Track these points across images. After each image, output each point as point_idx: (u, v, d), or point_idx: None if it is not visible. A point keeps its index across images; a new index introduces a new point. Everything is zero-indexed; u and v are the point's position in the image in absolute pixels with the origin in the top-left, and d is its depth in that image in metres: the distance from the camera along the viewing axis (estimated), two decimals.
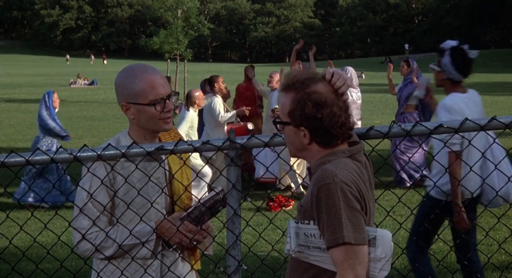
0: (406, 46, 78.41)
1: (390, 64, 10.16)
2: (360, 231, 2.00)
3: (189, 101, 8.42)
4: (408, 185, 8.87)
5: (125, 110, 2.53)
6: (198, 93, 8.52)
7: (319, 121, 2.09)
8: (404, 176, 8.92)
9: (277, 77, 9.39)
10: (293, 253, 2.14)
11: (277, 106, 8.96)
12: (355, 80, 9.27)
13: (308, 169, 2.21)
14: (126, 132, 2.61)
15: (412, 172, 8.97)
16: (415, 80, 9.05)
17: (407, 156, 8.81)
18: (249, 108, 9.71)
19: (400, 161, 8.97)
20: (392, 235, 2.61)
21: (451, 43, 4.28)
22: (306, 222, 2.09)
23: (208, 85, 9.32)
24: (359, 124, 9.18)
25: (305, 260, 2.12)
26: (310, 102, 2.09)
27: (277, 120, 2.23)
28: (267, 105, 9.54)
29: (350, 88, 8.84)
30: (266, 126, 9.43)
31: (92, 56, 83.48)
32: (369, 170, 2.19)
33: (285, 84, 2.18)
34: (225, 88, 9.38)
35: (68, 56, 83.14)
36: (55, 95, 9.20)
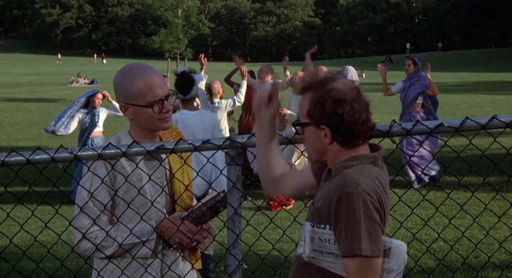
0: (408, 45, 78.41)
1: (379, 65, 10.10)
2: (377, 243, 1.96)
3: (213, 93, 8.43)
4: (427, 180, 8.93)
5: (123, 110, 2.53)
6: (217, 85, 8.50)
7: (340, 118, 2.02)
8: (418, 173, 8.95)
9: (268, 73, 9.56)
10: (306, 258, 2.09)
11: None
12: (356, 80, 9.27)
13: (328, 170, 2.15)
14: (126, 132, 2.61)
15: (426, 170, 8.99)
16: (430, 77, 9.06)
17: (412, 154, 8.85)
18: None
19: (410, 161, 8.98)
20: (392, 234, 2.60)
21: (181, 69, 5.41)
22: (322, 226, 2.04)
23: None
24: None
25: (318, 265, 2.08)
26: (330, 99, 2.03)
27: (296, 122, 2.16)
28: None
29: None
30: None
31: (95, 56, 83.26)
32: (386, 174, 2.14)
33: (302, 87, 2.12)
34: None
35: (59, 56, 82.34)
36: (98, 95, 9.01)
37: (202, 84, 7.82)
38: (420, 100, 9.16)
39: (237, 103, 8.04)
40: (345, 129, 2.04)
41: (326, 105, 2.03)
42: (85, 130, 8.94)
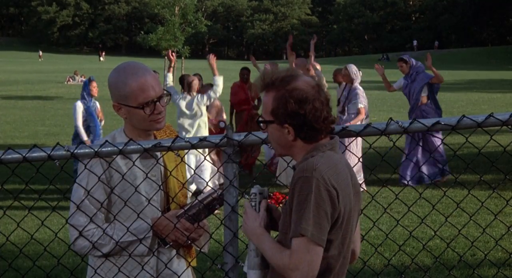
0: (415, 42, 78.64)
1: (376, 65, 9.95)
2: (320, 231, 2.01)
3: (191, 87, 8.55)
4: (429, 181, 8.76)
5: (116, 110, 2.53)
6: (196, 81, 8.70)
7: (303, 117, 2.11)
8: (425, 171, 8.80)
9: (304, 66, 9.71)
10: None
11: None
12: (359, 78, 9.30)
13: (293, 167, 2.20)
14: (121, 130, 2.61)
15: (434, 167, 8.92)
16: (434, 69, 9.15)
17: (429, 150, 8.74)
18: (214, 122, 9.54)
19: (421, 156, 8.82)
20: (389, 232, 2.60)
21: None
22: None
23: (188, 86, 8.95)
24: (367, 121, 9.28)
25: None
26: (292, 99, 2.10)
27: (260, 119, 2.23)
28: None
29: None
30: None
31: (103, 53, 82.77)
32: (345, 158, 2.21)
33: (264, 83, 2.18)
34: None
35: (40, 53, 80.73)
36: (93, 83, 9.07)
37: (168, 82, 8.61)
38: (425, 93, 9.22)
39: (214, 96, 8.42)
40: (308, 128, 2.13)
41: (289, 106, 2.10)
42: (92, 117, 8.94)
